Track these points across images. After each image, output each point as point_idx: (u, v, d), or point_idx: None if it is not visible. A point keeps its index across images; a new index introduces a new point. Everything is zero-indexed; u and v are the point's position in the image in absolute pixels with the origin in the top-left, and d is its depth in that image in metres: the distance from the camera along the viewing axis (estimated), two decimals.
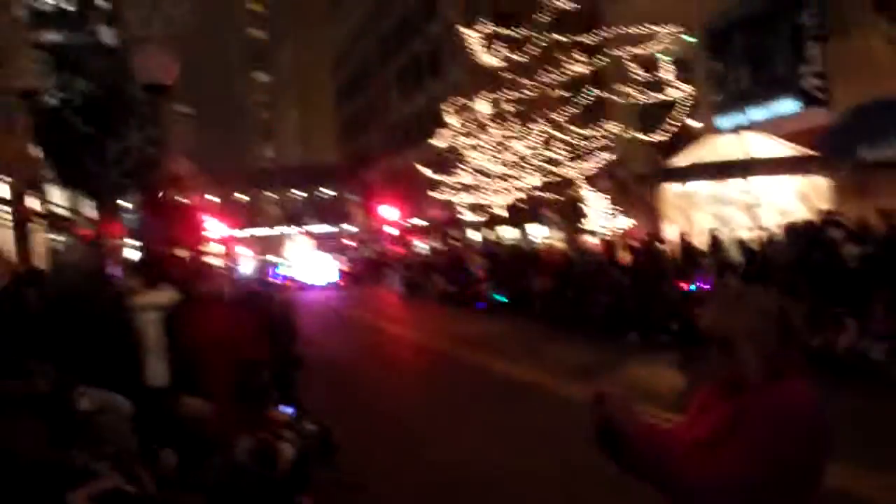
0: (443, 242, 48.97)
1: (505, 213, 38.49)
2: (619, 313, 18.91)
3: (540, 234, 42.17)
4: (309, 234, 60.52)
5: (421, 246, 58.98)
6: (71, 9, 50.30)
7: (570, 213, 33.60)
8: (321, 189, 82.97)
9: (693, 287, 17.34)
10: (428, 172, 42.27)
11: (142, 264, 8.57)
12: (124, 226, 29.00)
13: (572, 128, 30.44)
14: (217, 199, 69.50)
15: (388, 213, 60.90)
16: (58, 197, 32.43)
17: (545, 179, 32.55)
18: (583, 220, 31.39)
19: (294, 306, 15.22)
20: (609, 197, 30.56)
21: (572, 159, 30.81)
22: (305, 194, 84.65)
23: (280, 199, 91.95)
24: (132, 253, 30.15)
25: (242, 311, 7.20)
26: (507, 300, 26.24)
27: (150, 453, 4.04)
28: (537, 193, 34.21)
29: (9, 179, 25.16)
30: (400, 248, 57.73)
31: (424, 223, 60.75)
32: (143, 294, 7.53)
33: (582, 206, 31.12)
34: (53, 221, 30.48)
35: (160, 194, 30.45)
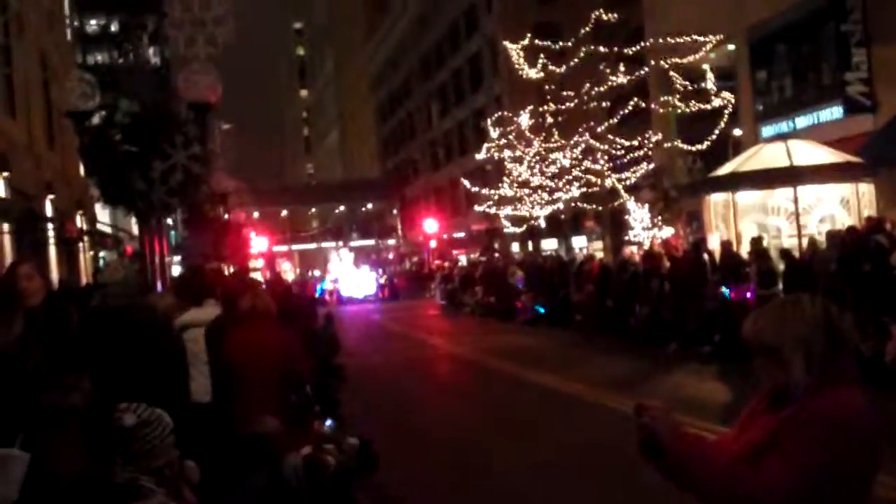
0: (483, 255, 48.94)
1: (546, 225, 38.48)
2: (658, 323, 18.74)
3: (582, 245, 42.04)
4: (350, 248, 60.75)
5: (461, 259, 59.04)
6: (116, 30, 51.23)
7: (611, 224, 33.48)
8: (362, 203, 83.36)
9: (727, 294, 17.14)
10: (469, 185, 42.38)
11: (185, 280, 8.62)
12: (169, 243, 29.39)
13: (613, 138, 30.35)
14: (259, 215, 70.11)
15: (429, 226, 61.08)
16: (103, 215, 32.91)
17: (587, 190, 32.47)
18: (625, 230, 31.24)
19: (336, 320, 15.30)
20: (652, 206, 30.39)
21: (614, 170, 30.70)
22: (346, 209, 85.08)
23: (322, 215, 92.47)
24: (177, 270, 30.54)
25: (285, 326, 7.24)
26: (546, 311, 26.16)
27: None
28: (579, 205, 34.16)
29: (52, 197, 25.56)
30: (440, 260, 57.80)
31: (465, 236, 60.83)
32: (188, 310, 7.59)
33: (624, 216, 30.97)
34: (99, 239, 30.93)
35: (205, 211, 30.73)
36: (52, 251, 24.77)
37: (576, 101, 30.62)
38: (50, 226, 24.10)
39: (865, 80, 22.48)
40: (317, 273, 61.52)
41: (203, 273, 8.62)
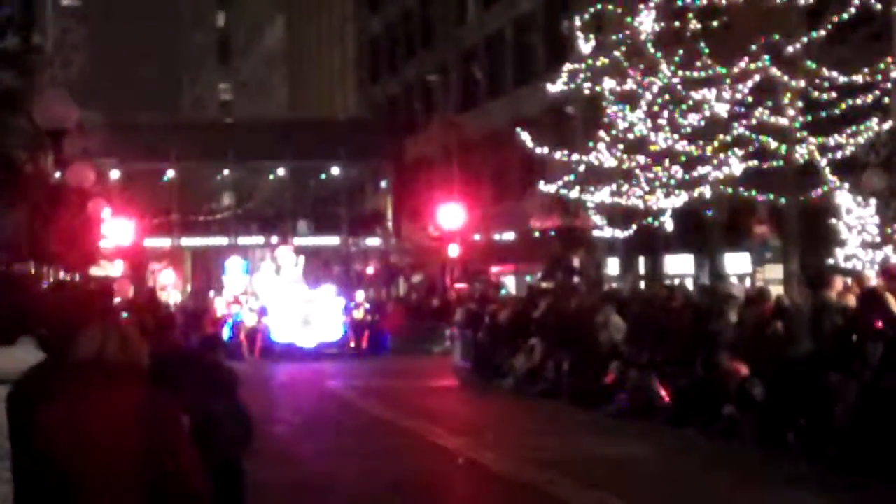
0: (550, 277, 48.86)
1: (676, 227, 38.32)
2: (882, 428, 18.65)
3: (744, 269, 41.84)
4: (297, 248, 60.55)
5: (507, 283, 59.00)
6: None
7: (803, 231, 33.29)
8: (321, 165, 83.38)
9: None
10: (531, 143, 42.26)
11: None
12: None
13: (817, 68, 30.19)
14: (122, 176, 70.24)
15: (449, 215, 60.95)
16: None
17: (758, 165, 32.34)
18: (831, 244, 31.05)
19: (239, 383, 15.25)
20: (885, 204, 30.22)
21: (813, 129, 30.58)
22: (290, 174, 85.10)
23: (242, 182, 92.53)
24: None
25: (162, 397, 7.11)
26: (672, 396, 26.12)
27: None
28: (741, 192, 33.99)
29: None
30: (467, 283, 57.80)
31: (517, 239, 60.76)
32: None
33: (829, 219, 30.83)
34: None
35: (17, 162, 30.79)
36: None
37: None
38: None
39: None
40: (226, 293, 61.37)
41: (13, 282, 8.64)
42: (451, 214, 60.86)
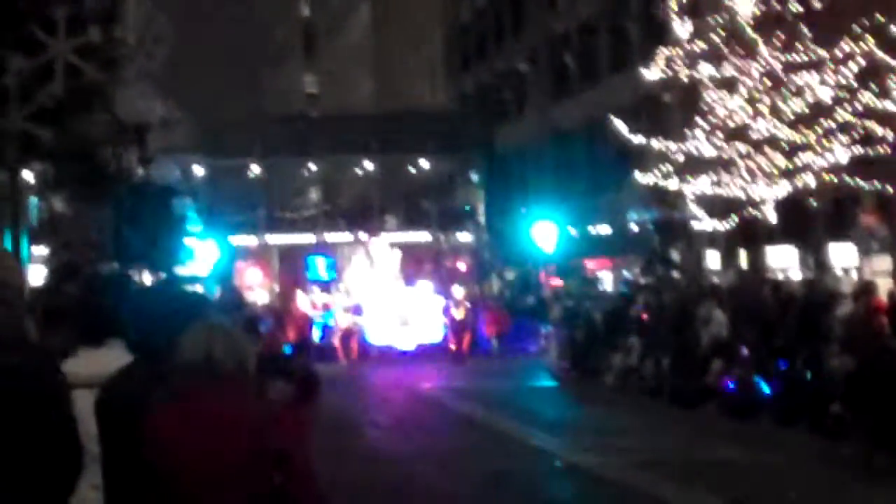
0: (648, 272, 48.57)
1: (779, 219, 38.09)
2: None
3: (850, 262, 41.49)
4: (391, 244, 59.06)
5: (602, 278, 58.62)
6: None
7: None
8: (408, 158, 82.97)
9: None
10: (627, 132, 42.12)
11: (57, 296, 8.65)
12: (26, 218, 29.46)
13: None
14: (208, 173, 70.36)
15: (544, 237, 60.36)
16: None
17: (864, 153, 32.09)
18: None
19: (318, 383, 15.25)
20: None
21: None
22: (379, 168, 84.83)
23: (329, 177, 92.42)
24: (38, 272, 30.79)
25: (276, 405, 7.01)
26: (773, 392, 25.94)
27: None
28: (846, 179, 33.74)
29: None
30: (561, 279, 57.46)
31: (615, 233, 60.47)
32: (71, 352, 7.51)
33: None
34: None
35: (102, 160, 30.89)
36: None
37: None
38: None
39: None
40: (315, 293, 60.81)
41: (105, 281, 8.66)
42: (545, 234, 59.80)
